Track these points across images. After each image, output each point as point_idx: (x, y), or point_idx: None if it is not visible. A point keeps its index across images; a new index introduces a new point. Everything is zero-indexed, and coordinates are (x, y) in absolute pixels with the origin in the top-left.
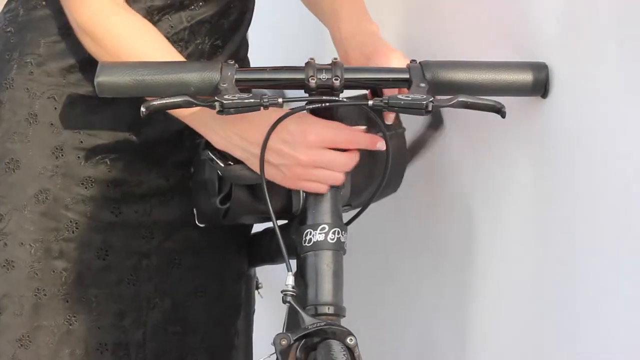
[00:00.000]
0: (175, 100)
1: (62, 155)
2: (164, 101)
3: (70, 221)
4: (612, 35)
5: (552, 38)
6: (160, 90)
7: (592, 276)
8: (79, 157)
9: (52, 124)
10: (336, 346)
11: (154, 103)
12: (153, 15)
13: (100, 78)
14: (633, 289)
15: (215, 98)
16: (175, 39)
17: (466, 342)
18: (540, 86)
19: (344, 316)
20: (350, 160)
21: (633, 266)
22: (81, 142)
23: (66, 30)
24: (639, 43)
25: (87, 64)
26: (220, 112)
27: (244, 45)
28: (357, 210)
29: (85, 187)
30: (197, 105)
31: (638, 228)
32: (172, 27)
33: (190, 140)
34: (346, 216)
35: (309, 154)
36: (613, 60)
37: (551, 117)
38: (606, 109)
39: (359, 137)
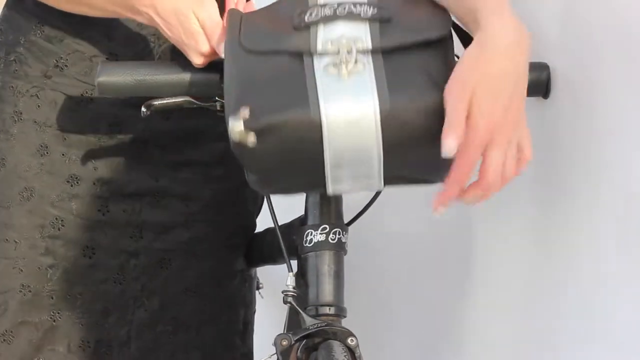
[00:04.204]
0: (177, 100)
1: (47, 153)
2: (165, 101)
3: (56, 218)
4: (612, 35)
5: (554, 38)
6: (162, 90)
7: (592, 277)
8: (63, 154)
9: (35, 122)
10: (337, 347)
11: (155, 103)
12: None
13: (101, 78)
14: (633, 291)
15: (217, 98)
16: (147, 33)
17: (466, 344)
18: (541, 86)
19: (345, 317)
20: None
21: (633, 268)
22: (65, 139)
23: (43, 30)
24: (639, 43)
25: (67, 63)
26: (220, 112)
27: None
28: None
29: (71, 185)
30: (198, 105)
31: (639, 229)
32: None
33: (182, 141)
34: (347, 216)
35: None
36: (614, 60)
37: (553, 118)
38: (607, 109)
39: None
